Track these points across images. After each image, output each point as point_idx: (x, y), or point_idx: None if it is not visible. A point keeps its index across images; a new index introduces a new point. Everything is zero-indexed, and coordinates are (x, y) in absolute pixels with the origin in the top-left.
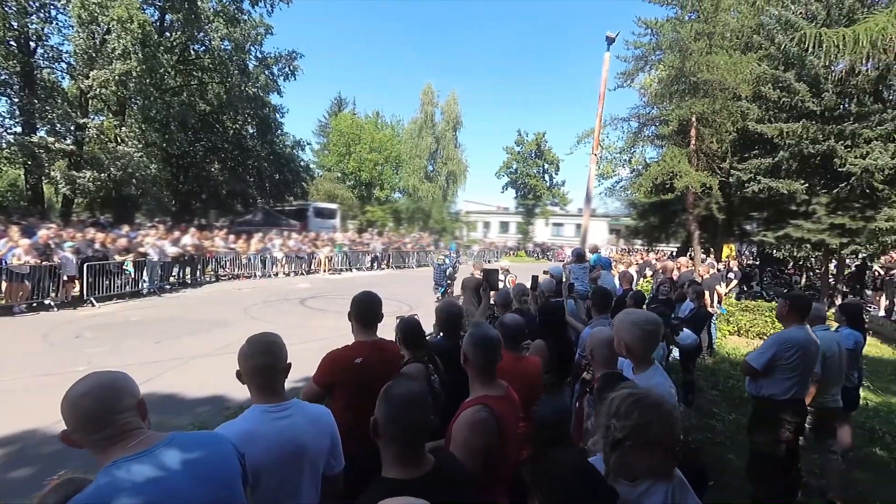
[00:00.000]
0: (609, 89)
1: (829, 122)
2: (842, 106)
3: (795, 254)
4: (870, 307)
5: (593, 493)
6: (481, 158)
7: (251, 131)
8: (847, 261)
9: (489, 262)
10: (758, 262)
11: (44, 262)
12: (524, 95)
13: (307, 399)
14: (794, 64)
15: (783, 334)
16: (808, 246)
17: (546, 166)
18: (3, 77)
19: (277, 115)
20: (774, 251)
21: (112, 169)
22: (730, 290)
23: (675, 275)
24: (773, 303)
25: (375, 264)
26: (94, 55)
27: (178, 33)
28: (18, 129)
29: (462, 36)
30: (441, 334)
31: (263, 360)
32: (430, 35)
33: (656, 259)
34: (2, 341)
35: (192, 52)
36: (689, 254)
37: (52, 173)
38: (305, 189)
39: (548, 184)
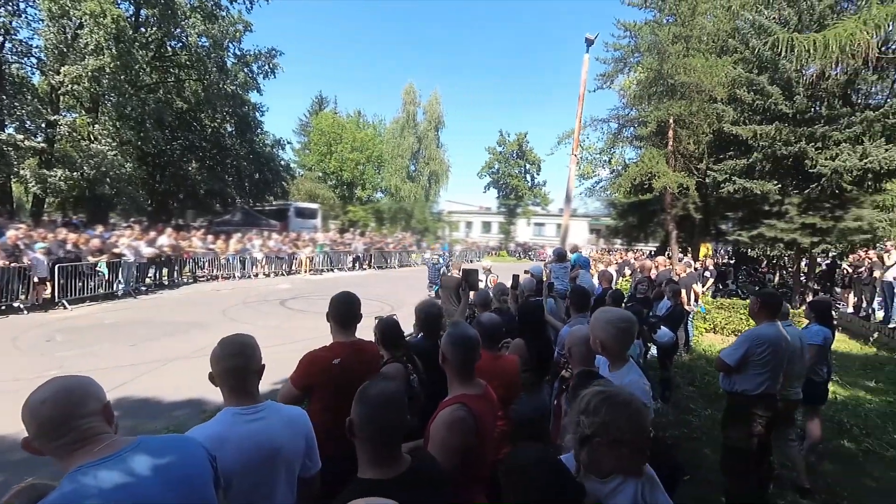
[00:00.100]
0: (589, 91)
1: (800, 125)
2: (813, 109)
3: (769, 253)
4: (839, 304)
5: (561, 489)
6: (463, 158)
7: (230, 130)
8: (818, 259)
9: (471, 261)
10: (733, 261)
11: (13, 264)
12: (506, 96)
13: (285, 401)
14: (768, 67)
15: (755, 331)
16: (781, 245)
17: (528, 166)
18: None
19: (257, 114)
20: (749, 250)
21: (85, 167)
22: (707, 288)
23: (653, 274)
24: (748, 301)
25: (357, 265)
26: (65, 50)
27: (154, 29)
28: None
29: (444, 35)
30: (421, 334)
31: (236, 362)
32: (412, 34)
33: (635, 258)
34: None
35: (169, 48)
36: (666, 253)
37: (22, 172)
38: (286, 189)
39: (529, 184)
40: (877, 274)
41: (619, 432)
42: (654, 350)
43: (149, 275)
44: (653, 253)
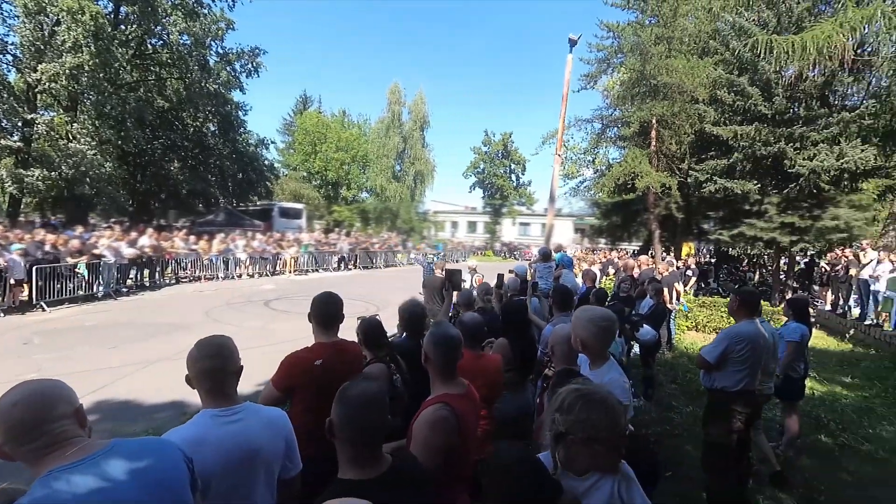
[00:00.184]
0: (573, 91)
1: (779, 126)
2: (791, 110)
3: (749, 252)
4: (817, 302)
5: (539, 487)
6: (449, 158)
7: (212, 129)
8: (797, 258)
9: (457, 261)
10: (714, 260)
11: None
12: (491, 96)
13: (267, 403)
14: (748, 69)
15: (734, 328)
16: (761, 244)
17: (513, 166)
18: None
19: (240, 113)
20: (730, 249)
21: (63, 167)
22: (689, 287)
23: (636, 272)
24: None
25: (342, 265)
26: (42, 47)
27: (134, 26)
28: None
29: (429, 36)
30: (405, 334)
31: (213, 364)
32: (397, 34)
33: (618, 257)
34: None
35: (149, 46)
36: (650, 252)
37: None
38: (270, 189)
39: (514, 184)
40: (853, 272)
41: (592, 430)
42: (637, 348)
43: (130, 276)
44: (636, 252)
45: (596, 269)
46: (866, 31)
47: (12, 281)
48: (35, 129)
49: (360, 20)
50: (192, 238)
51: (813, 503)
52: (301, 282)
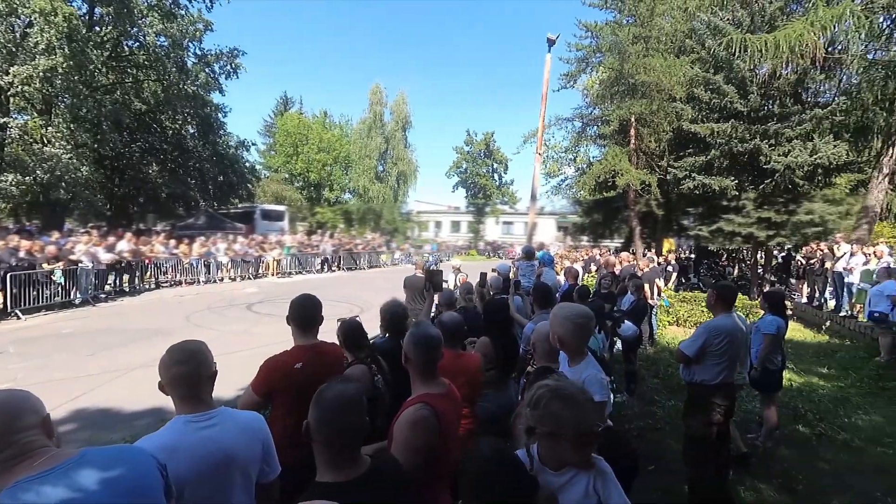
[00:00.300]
0: (553, 90)
1: (754, 122)
2: (766, 107)
3: (728, 247)
4: (794, 295)
5: (516, 483)
6: (432, 158)
7: (192, 131)
8: (774, 252)
9: (441, 260)
10: (694, 256)
11: None
12: (473, 96)
13: (246, 408)
14: (723, 67)
15: (712, 322)
16: (739, 238)
17: (495, 166)
18: None
19: (220, 115)
20: (709, 245)
21: (38, 171)
22: (671, 283)
23: (617, 269)
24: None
25: (326, 267)
26: (14, 50)
27: (109, 28)
28: None
29: (410, 36)
30: (387, 335)
31: (185, 369)
32: (378, 34)
33: (600, 255)
34: None
35: (126, 47)
36: (631, 249)
37: None
38: (251, 191)
39: (497, 183)
40: (828, 265)
41: (556, 424)
42: (619, 344)
43: (108, 282)
44: (618, 249)
45: (578, 266)
46: (836, 29)
47: None
48: (8, 133)
49: (340, 21)
50: (173, 242)
51: (791, 492)
52: (284, 284)
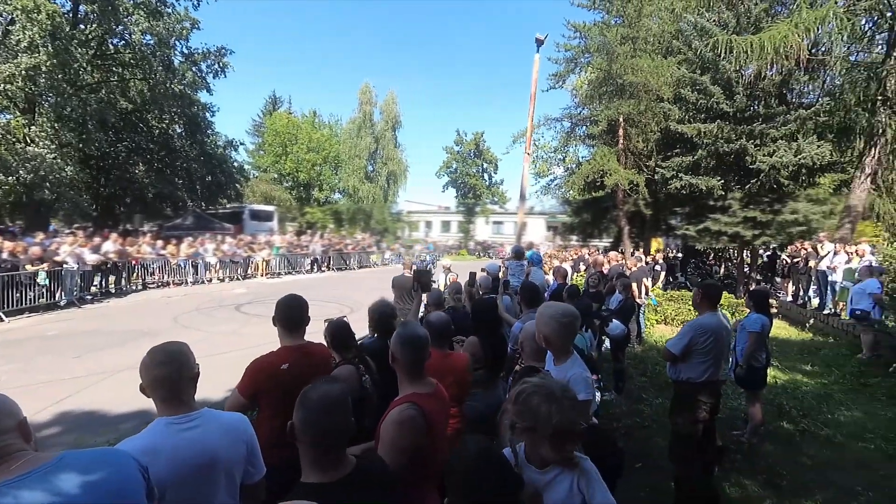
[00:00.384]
0: (542, 90)
1: (740, 123)
2: (751, 108)
3: (714, 246)
4: (779, 293)
5: (501, 482)
6: (422, 158)
7: (179, 131)
8: (760, 251)
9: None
10: (681, 255)
11: None
12: (463, 95)
13: (233, 410)
14: (710, 68)
15: (698, 321)
16: (726, 238)
17: (485, 165)
18: None
19: (207, 114)
20: (697, 244)
21: (21, 171)
22: (659, 282)
23: (606, 268)
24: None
25: (316, 267)
26: None
27: (94, 25)
28: None
29: (400, 36)
30: (375, 335)
31: (166, 371)
32: (367, 34)
33: (589, 254)
34: None
35: (111, 46)
36: (619, 248)
37: None
38: (240, 191)
39: (487, 183)
40: (812, 264)
41: (533, 419)
42: (607, 343)
43: (94, 283)
44: (607, 249)
45: (567, 265)
46: (820, 31)
47: None
48: None
49: (329, 20)
50: (160, 242)
51: (775, 487)
52: (273, 285)
